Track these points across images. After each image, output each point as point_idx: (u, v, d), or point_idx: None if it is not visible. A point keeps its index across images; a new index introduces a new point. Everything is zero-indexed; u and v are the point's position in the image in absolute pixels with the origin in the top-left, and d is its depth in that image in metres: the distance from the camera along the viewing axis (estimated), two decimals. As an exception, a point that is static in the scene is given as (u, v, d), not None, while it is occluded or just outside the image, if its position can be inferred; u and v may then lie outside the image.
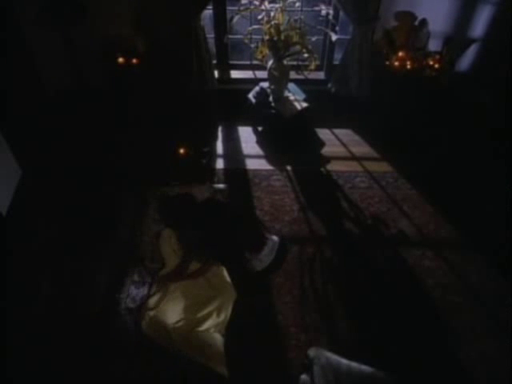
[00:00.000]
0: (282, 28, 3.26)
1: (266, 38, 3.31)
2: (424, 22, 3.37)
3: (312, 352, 2.04)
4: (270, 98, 3.63)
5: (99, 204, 3.05)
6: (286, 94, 3.67)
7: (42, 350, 2.29)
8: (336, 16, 3.48)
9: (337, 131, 3.77)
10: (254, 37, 3.49)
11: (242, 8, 3.28)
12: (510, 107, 3.39)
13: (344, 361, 1.92)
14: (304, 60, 3.51)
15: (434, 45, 3.48)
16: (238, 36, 3.68)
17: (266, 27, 3.28)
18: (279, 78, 3.50)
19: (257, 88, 3.71)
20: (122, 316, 2.41)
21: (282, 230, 2.91)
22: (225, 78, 3.89)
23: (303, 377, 2.03)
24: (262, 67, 3.64)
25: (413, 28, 3.43)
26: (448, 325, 2.43)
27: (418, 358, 2.28)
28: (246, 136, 3.72)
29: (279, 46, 3.31)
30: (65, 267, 2.67)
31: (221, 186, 3.15)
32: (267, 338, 2.35)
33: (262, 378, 2.20)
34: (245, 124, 3.82)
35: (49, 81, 3.62)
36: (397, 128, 3.66)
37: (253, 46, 3.50)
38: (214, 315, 2.37)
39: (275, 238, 2.76)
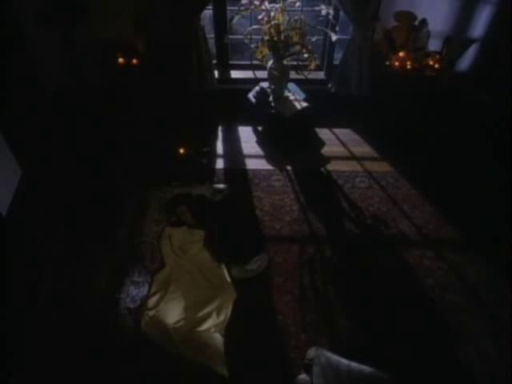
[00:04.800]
0: (282, 28, 3.26)
1: (266, 38, 3.31)
2: (424, 22, 3.37)
3: (312, 352, 2.05)
4: (270, 98, 3.62)
5: (99, 204, 3.05)
6: (286, 93, 3.67)
7: (42, 351, 2.29)
8: (336, 16, 3.48)
9: (337, 131, 3.76)
10: (254, 37, 3.49)
11: (242, 8, 3.27)
12: (510, 107, 3.39)
13: (344, 361, 1.93)
14: (304, 60, 3.50)
15: (433, 45, 3.48)
16: (238, 36, 3.67)
17: (266, 27, 3.28)
18: (279, 78, 3.50)
19: (257, 88, 3.71)
20: (122, 316, 2.41)
21: (282, 230, 2.91)
22: (225, 78, 3.89)
23: (301, 377, 2.04)
24: (262, 67, 3.64)
25: (413, 28, 3.43)
26: (448, 325, 2.43)
27: (417, 358, 2.28)
28: (246, 136, 3.72)
29: (279, 46, 3.31)
30: (65, 267, 2.67)
31: (221, 186, 3.15)
32: (267, 338, 2.35)
33: (262, 378, 2.20)
34: (245, 124, 3.81)
35: (49, 81, 3.62)
36: (397, 128, 3.66)
37: (253, 46, 3.49)
38: (214, 315, 2.38)
39: (266, 257, 2.69)
